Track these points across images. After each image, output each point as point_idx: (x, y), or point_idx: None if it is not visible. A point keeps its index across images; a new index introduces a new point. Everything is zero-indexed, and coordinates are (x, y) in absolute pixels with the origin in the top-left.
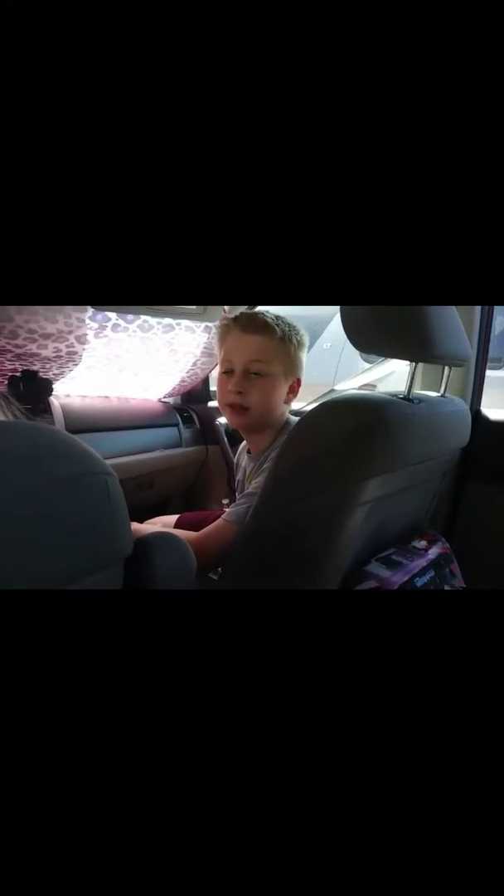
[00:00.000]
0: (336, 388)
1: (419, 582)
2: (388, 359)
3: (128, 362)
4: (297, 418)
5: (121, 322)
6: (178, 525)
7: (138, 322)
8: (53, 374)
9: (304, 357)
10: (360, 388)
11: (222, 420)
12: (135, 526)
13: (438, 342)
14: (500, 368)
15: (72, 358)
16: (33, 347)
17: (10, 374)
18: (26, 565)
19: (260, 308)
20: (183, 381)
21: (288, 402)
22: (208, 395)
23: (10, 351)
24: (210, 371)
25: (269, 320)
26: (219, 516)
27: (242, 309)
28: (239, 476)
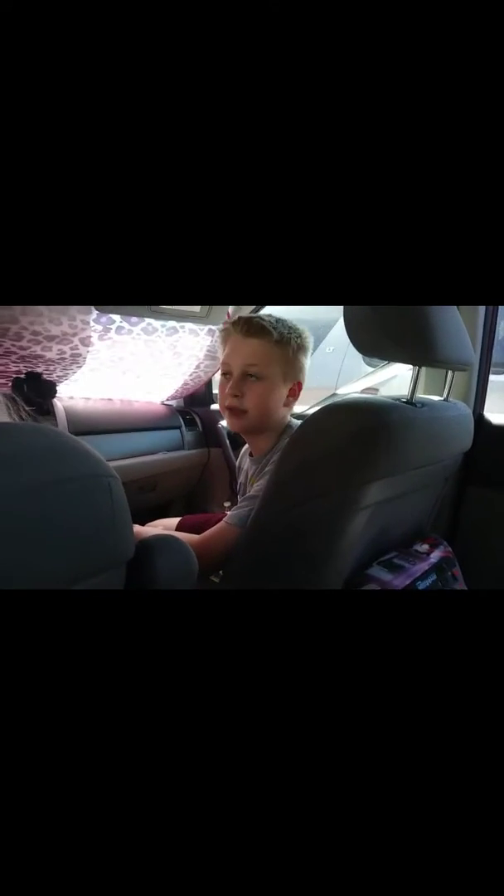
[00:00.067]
0: (338, 392)
1: (421, 585)
2: (391, 363)
3: (131, 365)
4: (299, 422)
5: (125, 325)
6: (179, 528)
7: (142, 325)
8: (57, 377)
9: (307, 360)
10: (362, 391)
11: (225, 423)
12: (137, 528)
13: (441, 346)
14: (503, 373)
15: (76, 360)
16: (38, 349)
17: (14, 376)
18: (28, 567)
19: (266, 310)
20: (186, 383)
21: (288, 405)
22: (211, 398)
23: (15, 353)
24: (213, 374)
25: (266, 323)
26: (220, 519)
27: (248, 311)
28: (241, 479)
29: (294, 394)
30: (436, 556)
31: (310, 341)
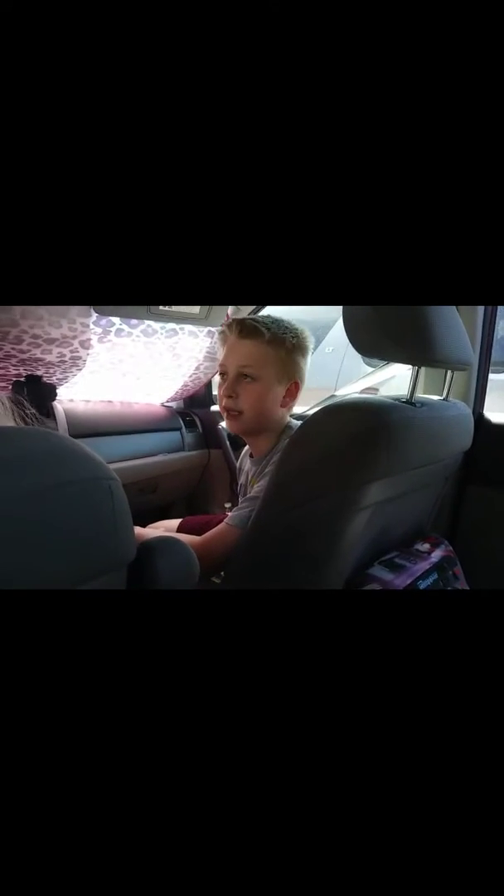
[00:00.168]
0: (337, 392)
1: (422, 585)
2: (391, 363)
3: (131, 367)
4: (299, 422)
5: (124, 327)
6: (180, 529)
7: (142, 327)
8: (57, 379)
9: (305, 361)
10: (362, 391)
11: (224, 424)
12: (138, 530)
13: (441, 346)
14: (503, 372)
15: (76, 363)
16: (38, 352)
17: (14, 379)
18: (28, 570)
19: (266, 310)
20: (186, 385)
21: (286, 405)
22: (211, 400)
23: (15, 356)
24: (213, 376)
25: (259, 324)
26: (221, 520)
27: (247, 312)
28: (241, 480)
29: (292, 394)
30: (437, 555)
31: (309, 342)
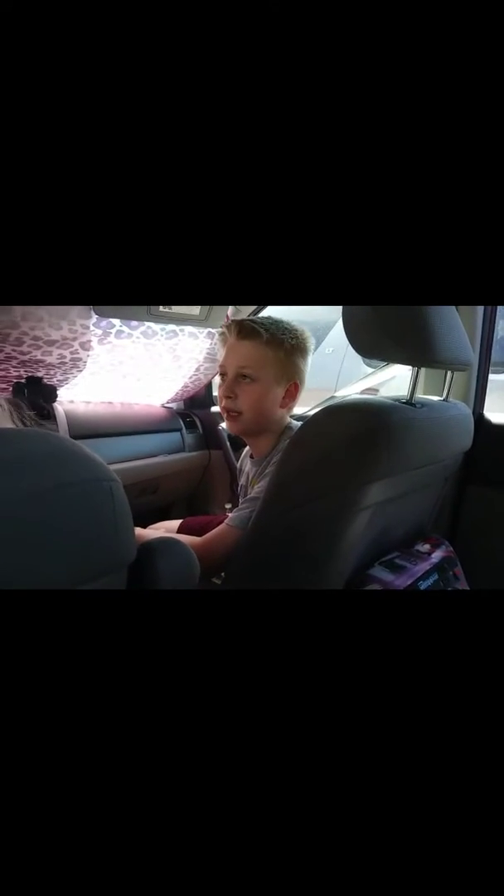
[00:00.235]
0: (337, 393)
1: (423, 585)
2: (391, 363)
3: (131, 368)
4: (299, 423)
5: (124, 328)
6: (181, 530)
7: (142, 328)
8: (58, 381)
9: (305, 361)
10: (362, 392)
11: (225, 425)
12: (138, 531)
13: (441, 346)
14: (503, 372)
15: (76, 364)
16: (38, 354)
17: (14, 380)
18: (29, 570)
19: (266, 311)
20: (186, 386)
21: (285, 406)
22: (211, 401)
23: (16, 358)
24: (213, 376)
25: (258, 325)
26: (222, 521)
27: (247, 312)
28: (242, 480)
29: (291, 395)
30: (437, 555)
31: (308, 343)
